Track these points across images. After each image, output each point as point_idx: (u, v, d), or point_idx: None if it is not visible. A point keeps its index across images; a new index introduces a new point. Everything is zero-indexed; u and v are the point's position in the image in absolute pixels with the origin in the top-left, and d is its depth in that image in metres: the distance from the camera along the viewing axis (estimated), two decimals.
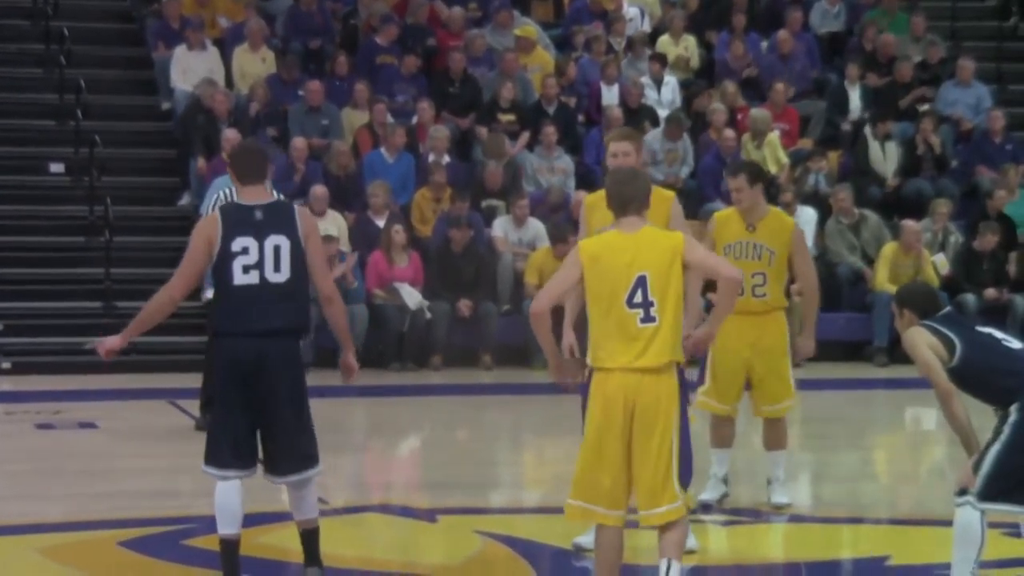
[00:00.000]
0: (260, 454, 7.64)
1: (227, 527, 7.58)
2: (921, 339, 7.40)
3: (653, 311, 6.85)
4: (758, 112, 19.95)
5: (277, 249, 7.47)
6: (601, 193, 8.64)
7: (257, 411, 7.53)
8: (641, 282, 6.85)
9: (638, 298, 6.85)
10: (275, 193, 8.24)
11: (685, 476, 7.03)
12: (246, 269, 7.46)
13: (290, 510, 7.83)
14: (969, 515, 7.49)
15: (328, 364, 13.74)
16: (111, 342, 7.90)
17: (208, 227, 7.57)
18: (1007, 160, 20.20)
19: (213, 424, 7.67)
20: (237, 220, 7.54)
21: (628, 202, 7.02)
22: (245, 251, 7.46)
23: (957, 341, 7.43)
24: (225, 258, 7.48)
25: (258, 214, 7.54)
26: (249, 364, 7.47)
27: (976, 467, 7.42)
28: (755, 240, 9.53)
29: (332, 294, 7.63)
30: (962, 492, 7.51)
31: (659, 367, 6.84)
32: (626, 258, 6.87)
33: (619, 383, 6.82)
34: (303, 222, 7.57)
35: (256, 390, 7.49)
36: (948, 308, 7.72)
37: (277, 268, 7.47)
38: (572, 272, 6.93)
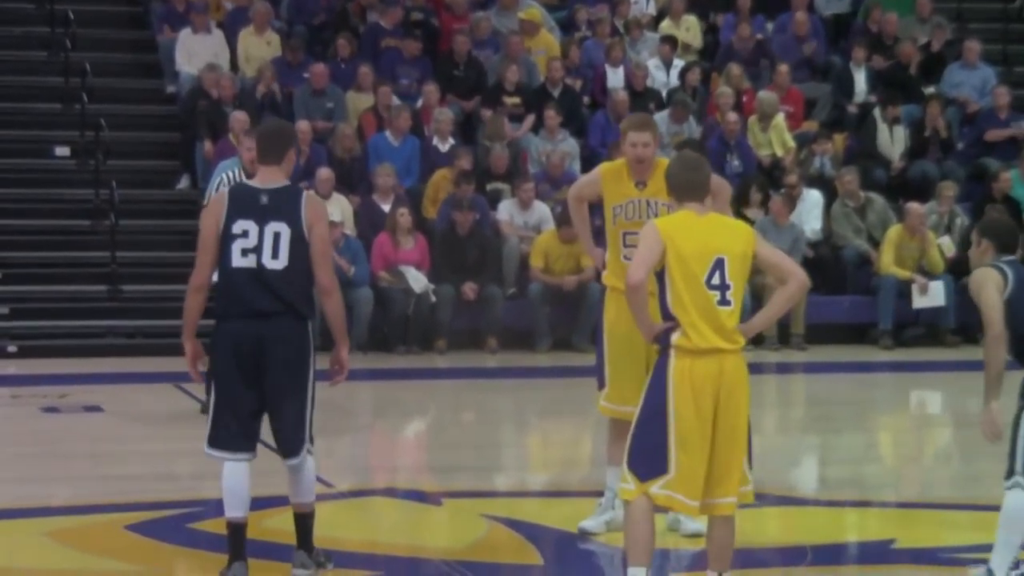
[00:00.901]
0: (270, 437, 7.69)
1: (234, 510, 7.59)
2: (991, 278, 7.58)
3: (729, 294, 6.88)
4: (765, 95, 19.92)
5: (277, 236, 7.42)
6: (616, 164, 8.62)
7: (258, 393, 7.54)
8: (719, 264, 6.87)
9: (716, 280, 6.86)
10: None
11: (751, 458, 7.10)
12: (244, 252, 7.44)
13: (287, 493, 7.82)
14: (1018, 498, 7.52)
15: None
16: (189, 355, 7.74)
17: (215, 206, 7.57)
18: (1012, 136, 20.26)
19: (213, 406, 7.65)
20: (242, 202, 7.50)
21: (694, 188, 7.06)
22: (245, 234, 7.44)
23: (1011, 280, 7.62)
24: (226, 239, 7.46)
25: (263, 198, 7.49)
26: (246, 346, 7.47)
27: (1011, 453, 7.51)
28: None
29: (330, 287, 7.50)
30: (1009, 475, 7.57)
31: (739, 349, 6.92)
32: (704, 238, 6.90)
33: (707, 368, 6.83)
34: (309, 209, 7.48)
35: (254, 372, 7.49)
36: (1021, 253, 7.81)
37: (275, 255, 7.42)
38: (658, 246, 6.86)
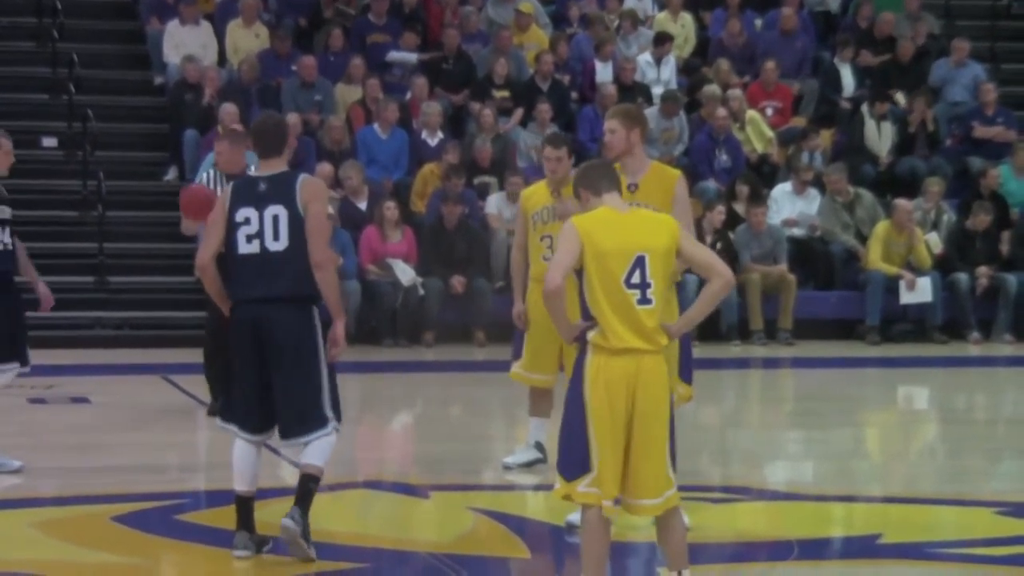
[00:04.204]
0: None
1: (241, 484, 7.88)
2: None
3: (650, 292, 6.69)
4: (734, 92, 19.96)
5: (276, 219, 7.65)
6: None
7: (264, 375, 7.76)
8: (640, 262, 6.70)
9: (636, 278, 6.69)
10: None
11: (675, 461, 6.90)
12: (248, 239, 7.70)
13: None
14: None
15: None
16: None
17: (222, 197, 7.90)
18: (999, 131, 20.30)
19: (230, 384, 7.96)
20: (243, 192, 7.78)
21: (609, 177, 6.91)
22: (247, 221, 7.69)
23: None
24: (231, 228, 7.74)
25: (262, 185, 7.74)
26: (256, 330, 7.70)
27: None
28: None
29: (323, 261, 7.67)
30: None
31: (657, 349, 6.73)
32: (625, 235, 6.74)
33: (622, 367, 6.66)
34: (304, 190, 7.69)
35: (263, 355, 7.71)
36: None
37: (276, 237, 7.65)
38: (575, 246, 6.70)
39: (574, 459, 6.72)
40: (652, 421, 6.70)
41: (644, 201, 8.10)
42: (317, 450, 7.78)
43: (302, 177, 7.80)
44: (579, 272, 6.76)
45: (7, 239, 10.24)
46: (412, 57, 19.72)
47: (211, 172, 11.67)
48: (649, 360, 6.69)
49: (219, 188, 11.37)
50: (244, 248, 7.69)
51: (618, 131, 8.11)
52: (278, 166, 7.81)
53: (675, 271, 7.11)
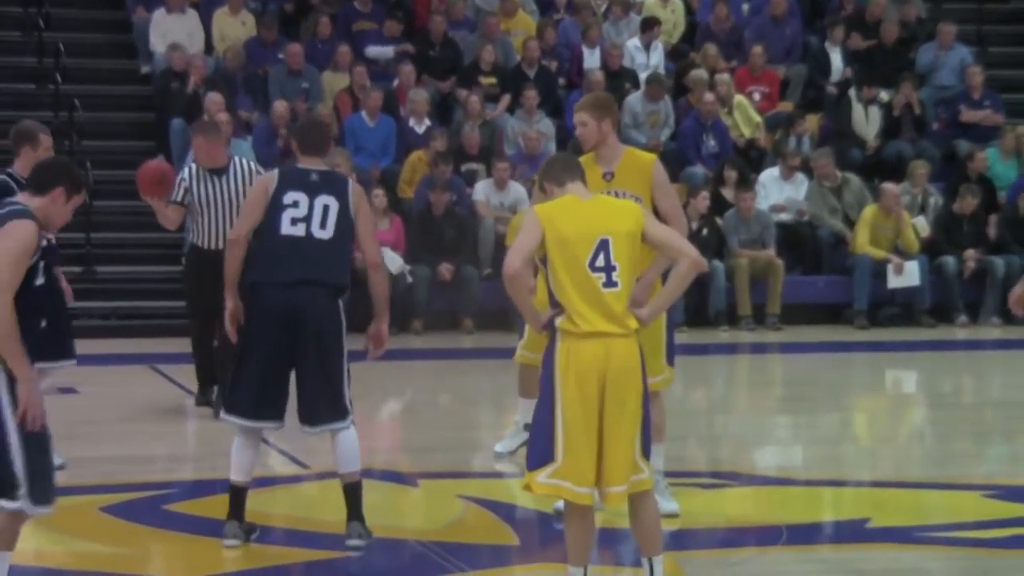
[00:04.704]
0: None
1: (239, 475, 7.90)
2: None
3: (616, 275, 6.66)
4: (721, 77, 19.94)
5: (326, 208, 7.77)
6: (582, 157, 8.61)
7: (288, 361, 7.77)
8: (604, 245, 6.67)
9: (600, 261, 6.66)
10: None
11: (647, 446, 6.81)
12: (294, 221, 7.76)
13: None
14: None
15: None
16: (230, 312, 7.93)
17: (266, 179, 8.00)
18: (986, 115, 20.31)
19: (240, 373, 7.80)
20: (293, 178, 7.88)
21: (569, 168, 6.91)
22: (296, 204, 7.77)
23: None
24: (275, 209, 7.78)
25: (314, 176, 7.85)
26: (291, 313, 7.70)
27: None
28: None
29: (379, 261, 7.96)
30: None
31: (627, 332, 6.69)
32: (587, 219, 6.72)
33: (592, 351, 6.62)
34: (355, 191, 7.88)
35: (292, 340, 7.71)
36: None
37: (323, 225, 7.75)
38: (536, 230, 6.67)
39: (537, 449, 6.69)
40: (624, 405, 6.65)
41: (621, 188, 8.11)
42: (351, 454, 7.91)
43: (351, 180, 8.01)
44: (543, 260, 6.72)
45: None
46: (389, 50, 19.68)
47: (193, 167, 11.54)
48: (619, 343, 6.65)
49: (202, 184, 11.33)
50: (288, 229, 7.75)
51: (589, 123, 8.09)
52: (321, 164, 7.94)
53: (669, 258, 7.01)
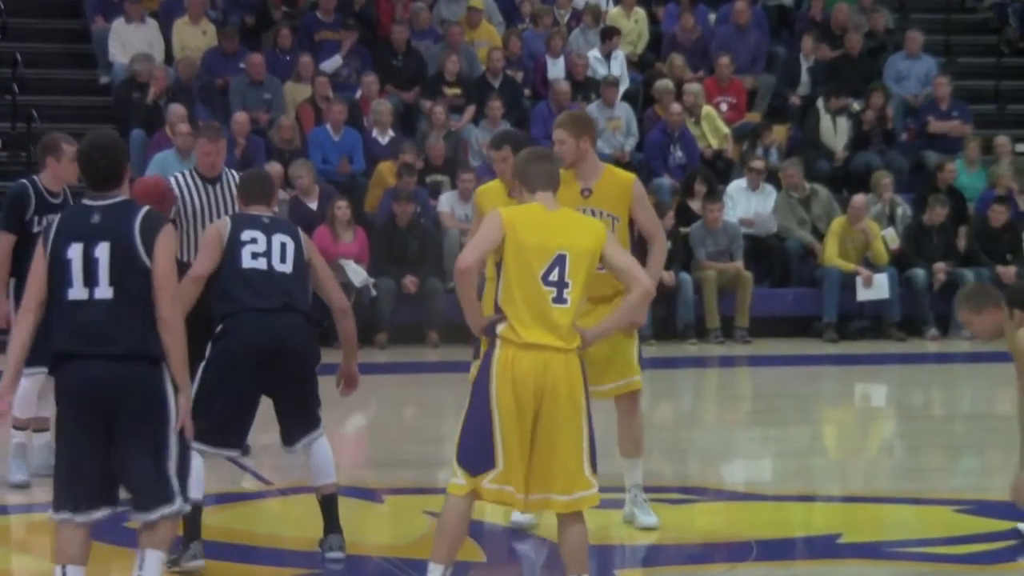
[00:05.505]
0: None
1: (198, 492, 7.77)
2: None
3: (567, 292, 6.65)
4: (691, 87, 19.87)
5: (283, 245, 7.87)
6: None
7: (264, 386, 7.78)
8: (560, 261, 6.66)
9: (554, 276, 6.65)
10: None
11: (595, 462, 6.78)
12: (254, 256, 7.83)
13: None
14: None
15: None
16: None
17: (218, 224, 8.01)
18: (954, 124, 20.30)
19: (206, 400, 7.57)
20: (246, 219, 7.97)
21: (545, 177, 6.86)
22: (254, 241, 7.83)
23: None
24: (234, 245, 7.81)
25: (265, 219, 7.96)
26: (264, 339, 7.67)
27: None
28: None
29: (346, 306, 8.16)
30: None
31: (570, 348, 6.67)
32: (548, 232, 6.70)
33: (530, 362, 6.60)
34: (304, 238, 8.03)
35: (269, 366, 7.69)
36: None
37: (283, 260, 7.85)
38: (497, 233, 6.67)
39: (478, 453, 6.66)
40: (561, 420, 6.64)
41: (598, 207, 8.22)
42: (326, 466, 7.97)
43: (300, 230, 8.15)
44: (498, 265, 6.72)
45: None
46: (337, 60, 19.52)
47: (182, 175, 10.64)
48: (558, 358, 6.64)
49: (195, 193, 10.50)
50: (249, 263, 7.80)
51: (567, 141, 8.21)
52: (268, 211, 8.07)
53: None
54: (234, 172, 10.78)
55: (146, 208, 6.49)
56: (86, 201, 6.51)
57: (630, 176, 8.43)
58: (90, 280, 6.32)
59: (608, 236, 6.82)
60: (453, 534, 6.79)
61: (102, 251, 6.32)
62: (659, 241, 8.31)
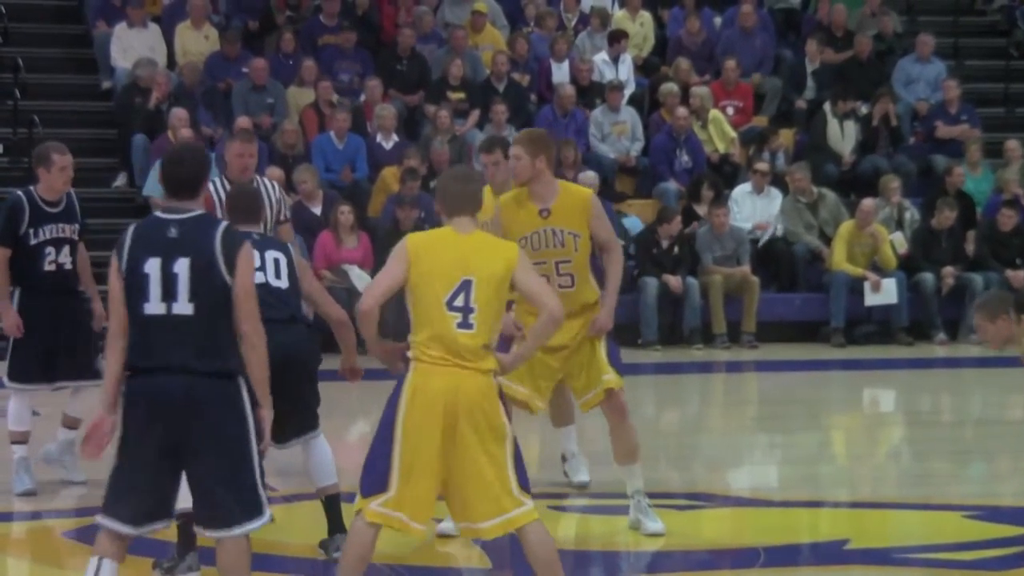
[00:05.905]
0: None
1: (186, 502, 7.53)
2: None
3: (472, 317, 6.61)
4: (697, 90, 19.79)
5: (277, 260, 8.04)
6: (514, 193, 8.50)
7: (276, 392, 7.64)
8: (465, 286, 6.63)
9: (459, 302, 6.62)
10: None
11: (524, 479, 6.70)
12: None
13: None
14: None
15: None
16: None
17: None
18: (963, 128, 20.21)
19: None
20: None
21: (464, 201, 6.81)
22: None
23: None
24: None
25: (255, 235, 8.01)
26: (287, 351, 7.66)
27: None
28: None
29: (344, 318, 8.21)
30: None
31: (483, 369, 6.61)
32: (454, 258, 6.67)
33: (441, 383, 6.59)
34: (296, 255, 8.21)
35: (288, 373, 7.77)
36: None
37: (278, 275, 8.01)
38: (399, 268, 6.70)
39: (373, 476, 6.65)
40: (475, 446, 6.59)
41: (558, 226, 8.30)
42: (326, 466, 8.10)
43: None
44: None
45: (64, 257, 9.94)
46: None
47: (216, 182, 9.75)
48: (470, 377, 6.61)
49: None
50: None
51: (523, 158, 8.25)
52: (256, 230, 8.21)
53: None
54: (267, 180, 10.11)
55: (224, 224, 6.41)
56: (160, 214, 6.40)
57: (587, 191, 8.50)
58: (168, 295, 6.23)
59: (520, 260, 6.75)
60: (350, 553, 6.73)
61: (181, 267, 6.24)
62: (615, 253, 8.41)
